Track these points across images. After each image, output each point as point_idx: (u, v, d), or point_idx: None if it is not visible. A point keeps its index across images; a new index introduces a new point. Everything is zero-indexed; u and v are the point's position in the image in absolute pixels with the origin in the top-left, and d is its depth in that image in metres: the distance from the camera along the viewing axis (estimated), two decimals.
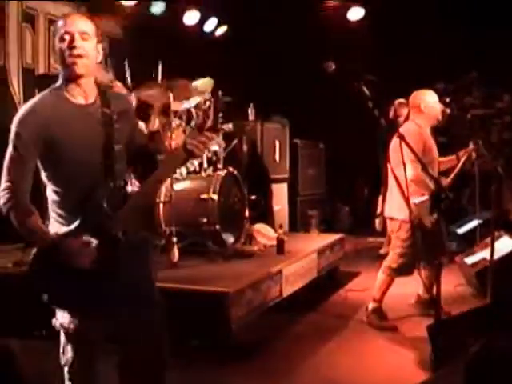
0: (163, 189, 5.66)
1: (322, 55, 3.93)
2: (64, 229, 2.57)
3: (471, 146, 5.19)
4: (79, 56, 2.52)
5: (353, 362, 4.24)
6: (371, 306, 4.99)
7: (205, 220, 5.42)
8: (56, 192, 2.62)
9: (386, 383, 3.85)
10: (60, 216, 2.63)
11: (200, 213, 5.46)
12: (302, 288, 5.44)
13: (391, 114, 7.43)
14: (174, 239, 5.06)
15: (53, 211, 2.65)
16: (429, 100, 4.97)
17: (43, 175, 2.63)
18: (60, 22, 2.58)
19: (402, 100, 7.19)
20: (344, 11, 9.01)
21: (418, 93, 5.05)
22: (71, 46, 2.51)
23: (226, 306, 4.13)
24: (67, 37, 2.53)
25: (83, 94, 2.62)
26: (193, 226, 5.43)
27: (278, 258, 5.47)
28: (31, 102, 2.60)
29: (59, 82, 2.63)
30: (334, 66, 3.70)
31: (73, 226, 2.54)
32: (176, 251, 5.02)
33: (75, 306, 2.60)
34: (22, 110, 2.57)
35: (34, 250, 2.55)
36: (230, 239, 5.64)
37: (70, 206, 2.59)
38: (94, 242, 2.51)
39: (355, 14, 9.05)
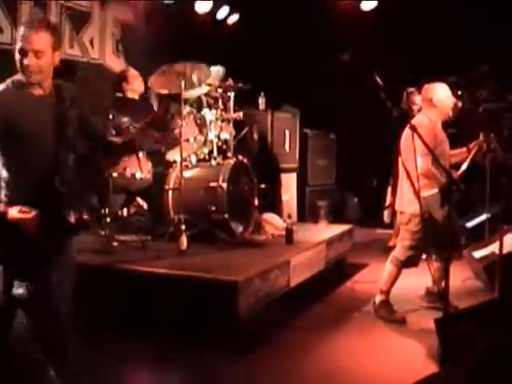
0: (173, 175, 5.67)
1: (334, 45, 3.92)
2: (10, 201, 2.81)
3: (481, 137, 5.15)
4: (32, 72, 2.79)
5: (359, 353, 4.25)
6: (379, 298, 4.97)
7: (214, 208, 5.44)
8: (7, 168, 2.84)
9: (393, 375, 3.84)
10: (9, 190, 2.84)
11: (209, 201, 5.47)
12: (310, 278, 5.45)
13: (403, 103, 7.36)
14: (183, 227, 5.06)
15: (2, 187, 2.86)
16: (441, 93, 4.91)
17: None
18: (20, 31, 2.81)
19: (412, 89, 7.13)
20: (357, 1, 8.95)
21: (429, 86, 4.98)
22: (24, 64, 2.78)
23: (235, 294, 4.13)
24: (22, 53, 2.78)
25: (40, 87, 2.89)
26: (202, 214, 5.43)
27: (287, 247, 5.48)
28: None
29: (20, 75, 2.85)
30: (348, 57, 3.68)
31: (21, 200, 2.76)
32: (184, 239, 5.02)
33: (18, 269, 2.83)
34: None
35: None
36: (239, 228, 5.65)
37: (19, 183, 2.82)
38: (36, 212, 2.72)
39: (368, 4, 8.98)
